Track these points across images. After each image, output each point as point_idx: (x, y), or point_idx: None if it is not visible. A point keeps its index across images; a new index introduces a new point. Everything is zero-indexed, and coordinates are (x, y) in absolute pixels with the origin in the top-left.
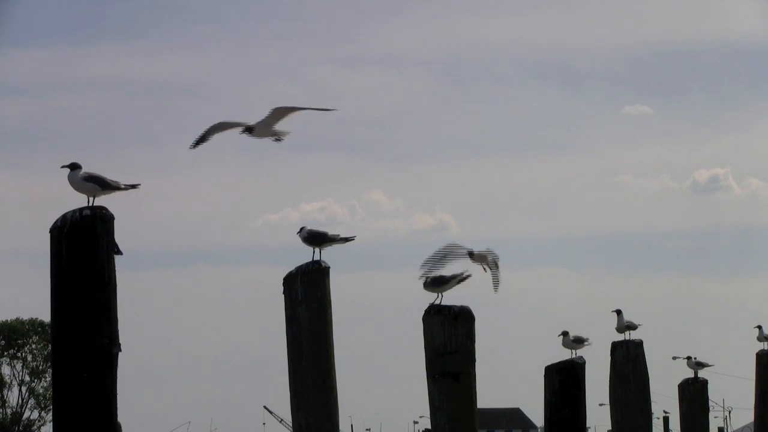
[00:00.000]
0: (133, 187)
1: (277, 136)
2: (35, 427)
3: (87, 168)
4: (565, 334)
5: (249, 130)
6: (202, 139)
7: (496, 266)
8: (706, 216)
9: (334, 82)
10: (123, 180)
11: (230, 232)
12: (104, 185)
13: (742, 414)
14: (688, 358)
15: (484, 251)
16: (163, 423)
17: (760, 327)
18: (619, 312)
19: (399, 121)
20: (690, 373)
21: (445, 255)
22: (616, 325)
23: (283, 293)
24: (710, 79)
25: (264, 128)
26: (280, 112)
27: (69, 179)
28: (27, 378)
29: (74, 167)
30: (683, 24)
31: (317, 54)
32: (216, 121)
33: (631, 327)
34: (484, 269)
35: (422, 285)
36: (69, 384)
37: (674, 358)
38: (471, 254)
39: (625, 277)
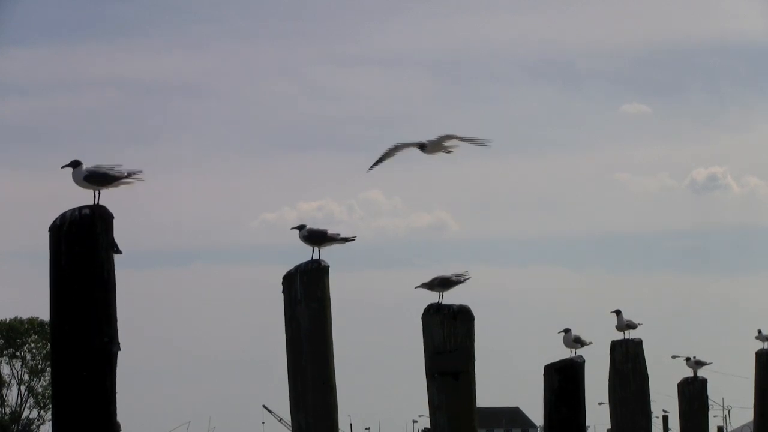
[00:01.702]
0: (135, 173)
1: (448, 150)
2: (34, 426)
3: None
4: (567, 331)
5: (422, 147)
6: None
7: (468, 140)
8: (705, 215)
9: (334, 81)
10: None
11: (229, 231)
12: (106, 180)
13: (741, 413)
14: (687, 359)
15: (437, 138)
16: (162, 422)
17: (759, 331)
18: (618, 312)
19: (397, 120)
20: (689, 372)
21: (391, 151)
22: (616, 324)
23: (283, 292)
24: (709, 78)
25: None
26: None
27: (73, 177)
28: (26, 377)
29: (75, 165)
30: (682, 23)
31: (317, 54)
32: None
33: (631, 326)
34: (448, 152)
35: (424, 286)
36: (68, 383)
37: (674, 357)
38: (422, 146)
39: (623, 276)
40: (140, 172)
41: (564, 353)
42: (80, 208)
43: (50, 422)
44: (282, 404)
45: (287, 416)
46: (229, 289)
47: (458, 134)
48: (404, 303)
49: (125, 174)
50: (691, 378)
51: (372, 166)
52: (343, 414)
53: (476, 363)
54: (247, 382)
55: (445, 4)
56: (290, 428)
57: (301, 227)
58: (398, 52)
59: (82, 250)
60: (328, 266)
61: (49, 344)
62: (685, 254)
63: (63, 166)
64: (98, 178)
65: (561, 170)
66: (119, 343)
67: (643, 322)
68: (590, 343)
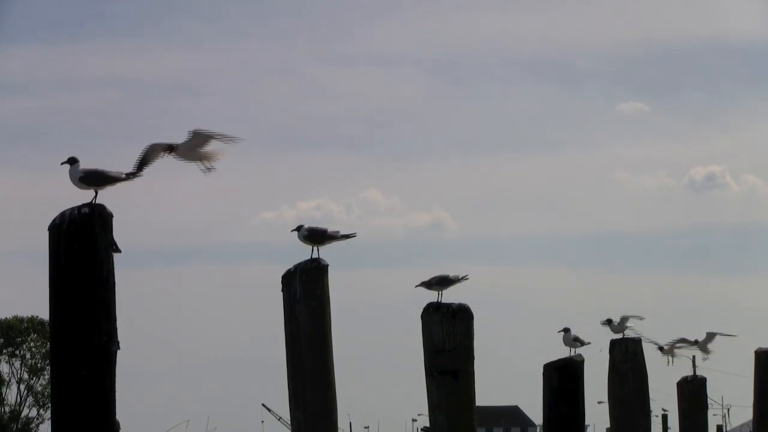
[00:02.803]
0: (135, 175)
1: (205, 166)
2: (33, 425)
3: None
4: (566, 330)
5: (171, 149)
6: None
7: (218, 136)
8: (704, 214)
9: (332, 81)
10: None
11: (228, 230)
12: (102, 181)
13: (740, 412)
14: (660, 348)
15: (188, 138)
16: (161, 421)
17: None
18: (609, 321)
19: (395, 119)
20: (689, 371)
21: (148, 153)
22: (612, 330)
23: (282, 291)
24: (708, 78)
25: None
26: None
27: (69, 175)
28: (26, 376)
29: (72, 162)
30: (681, 22)
31: (317, 54)
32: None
33: (625, 320)
34: (208, 168)
35: (423, 285)
36: (68, 382)
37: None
38: (171, 148)
39: (623, 275)
40: (140, 174)
41: (563, 352)
42: (79, 207)
43: (49, 421)
44: (281, 403)
45: (286, 415)
46: (229, 289)
47: (205, 130)
48: (403, 302)
49: (122, 175)
50: (690, 376)
51: (134, 172)
52: (343, 413)
53: (475, 362)
54: (247, 381)
55: (444, 4)
56: (289, 427)
57: (299, 228)
58: (398, 52)
59: (82, 248)
60: (328, 265)
61: (48, 343)
62: (684, 253)
63: (62, 163)
64: (91, 179)
65: (560, 170)
66: (118, 342)
67: (645, 317)
68: (589, 342)
